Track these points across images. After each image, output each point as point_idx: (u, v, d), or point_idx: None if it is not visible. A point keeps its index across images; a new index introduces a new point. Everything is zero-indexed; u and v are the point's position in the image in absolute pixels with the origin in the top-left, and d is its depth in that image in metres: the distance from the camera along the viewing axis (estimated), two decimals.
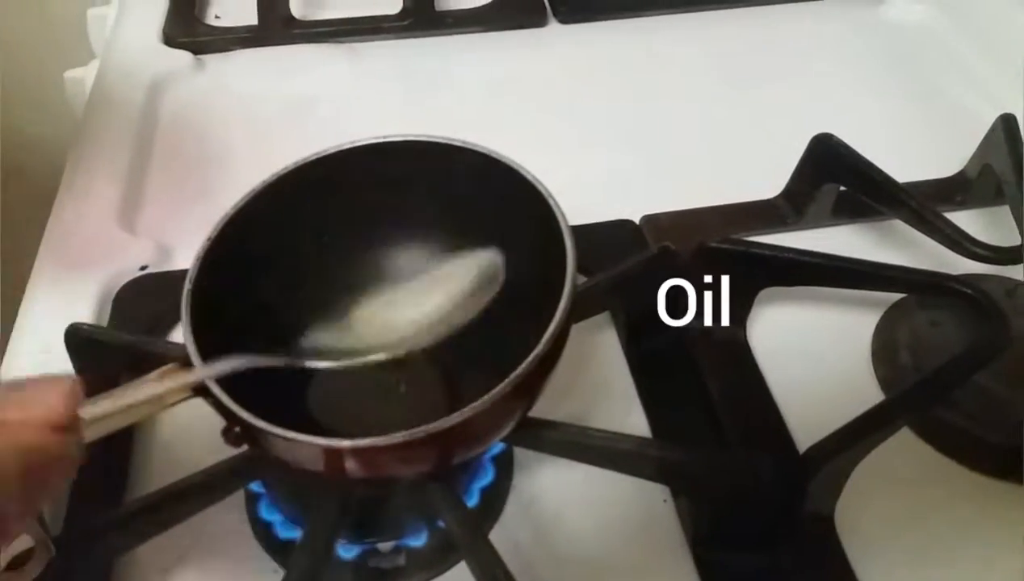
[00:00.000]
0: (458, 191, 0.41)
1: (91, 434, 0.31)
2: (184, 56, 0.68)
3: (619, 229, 0.54)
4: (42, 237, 0.55)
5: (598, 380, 0.47)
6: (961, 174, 0.57)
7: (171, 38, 0.70)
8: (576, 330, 0.45)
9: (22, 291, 0.52)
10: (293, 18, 0.71)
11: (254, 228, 0.39)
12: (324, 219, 0.42)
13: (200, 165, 0.60)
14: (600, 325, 0.50)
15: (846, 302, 0.50)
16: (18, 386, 0.29)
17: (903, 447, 0.44)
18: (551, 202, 0.38)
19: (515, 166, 0.40)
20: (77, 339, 0.43)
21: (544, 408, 0.39)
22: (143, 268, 0.52)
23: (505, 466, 0.43)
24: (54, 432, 0.28)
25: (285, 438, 0.31)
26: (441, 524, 0.39)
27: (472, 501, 0.40)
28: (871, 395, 0.46)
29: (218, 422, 0.34)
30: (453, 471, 0.39)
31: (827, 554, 0.40)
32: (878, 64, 0.70)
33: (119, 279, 0.51)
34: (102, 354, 0.43)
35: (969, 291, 0.44)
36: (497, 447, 0.41)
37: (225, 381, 0.33)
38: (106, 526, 0.36)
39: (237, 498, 0.41)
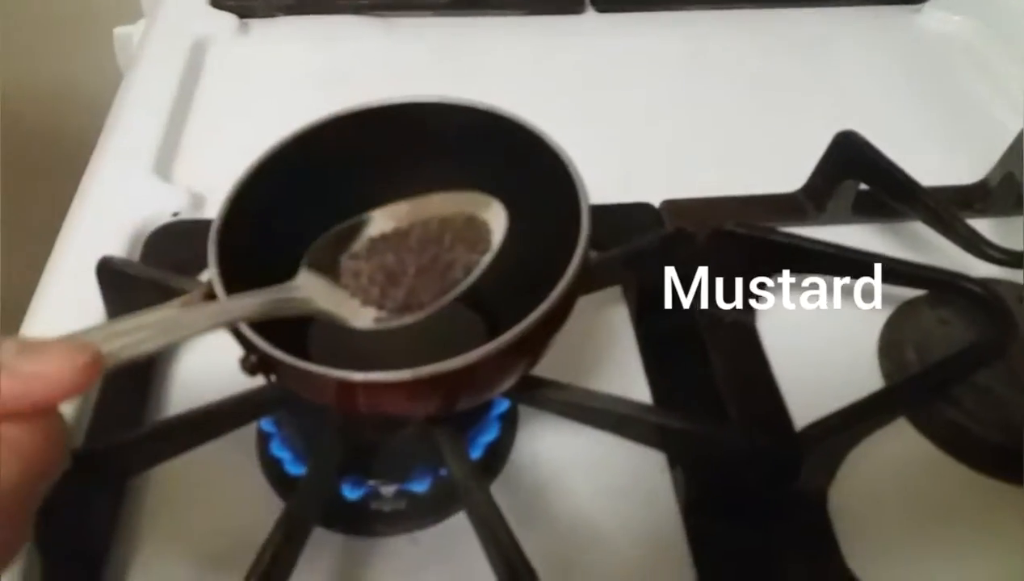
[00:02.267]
0: (483, 155, 0.42)
1: (110, 361, 0.33)
2: (230, 19, 0.71)
3: (638, 211, 0.55)
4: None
5: (607, 352, 0.48)
6: (983, 182, 0.57)
7: (218, 1, 0.72)
8: (589, 304, 0.47)
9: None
10: None
11: (284, 176, 0.41)
12: (353, 172, 0.43)
13: (236, 122, 0.62)
14: (612, 300, 0.51)
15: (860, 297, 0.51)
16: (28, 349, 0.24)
17: (903, 440, 0.45)
18: (571, 169, 0.39)
19: (540, 133, 0.41)
20: (108, 271, 0.45)
21: (552, 374, 0.40)
22: (175, 214, 0.54)
23: (510, 425, 0.44)
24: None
25: (299, 368, 0.33)
26: (444, 473, 0.40)
27: (476, 454, 0.41)
28: (874, 387, 0.47)
29: (236, 356, 0.36)
30: (460, 423, 0.40)
31: (817, 535, 0.41)
32: (910, 70, 0.70)
33: (152, 223, 0.53)
34: (131, 288, 0.45)
35: (978, 290, 0.45)
36: (503, 405, 0.43)
37: None
38: (123, 443, 0.38)
39: (249, 436, 0.43)
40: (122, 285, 0.45)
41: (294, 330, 0.38)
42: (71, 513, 0.37)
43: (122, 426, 0.41)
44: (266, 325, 0.34)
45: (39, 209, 0.63)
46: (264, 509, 0.41)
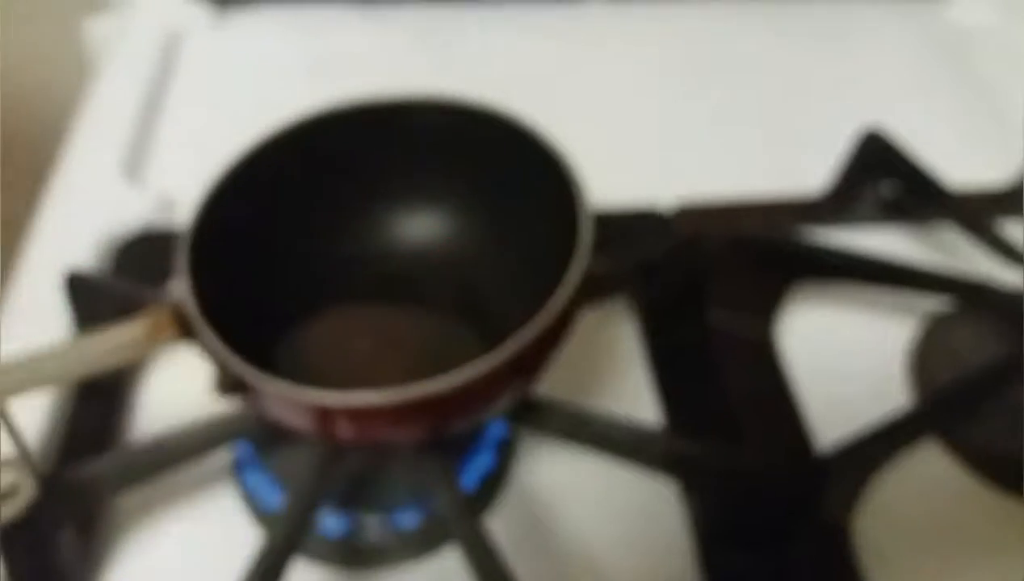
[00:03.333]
0: (475, 154, 0.42)
1: (74, 374, 0.33)
2: (205, 9, 0.70)
3: (646, 217, 0.54)
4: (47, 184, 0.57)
5: (612, 370, 0.48)
6: (1015, 186, 0.57)
7: None
8: (593, 317, 0.46)
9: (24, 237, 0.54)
10: None
11: (263, 178, 0.40)
12: (336, 173, 0.43)
13: (212, 120, 0.61)
14: (618, 313, 0.50)
15: (883, 308, 0.50)
16: None
17: (931, 462, 0.44)
18: (569, 169, 0.39)
19: (536, 132, 0.40)
20: (76, 285, 0.45)
21: (553, 394, 0.40)
22: (146, 220, 0.54)
23: (506, 451, 0.43)
24: None
25: (273, 387, 0.32)
26: (434, 504, 0.39)
27: (470, 484, 0.40)
28: (901, 404, 0.46)
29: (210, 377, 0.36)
30: (452, 450, 0.40)
31: (841, 566, 0.40)
32: (937, 64, 0.70)
33: (122, 230, 0.53)
34: (100, 301, 0.44)
35: (1009, 300, 0.44)
36: (498, 429, 0.42)
37: (217, 327, 0.34)
38: (93, 470, 0.37)
39: (225, 462, 0.43)
40: (90, 298, 0.45)
41: (268, 350, 0.38)
42: (41, 538, 0.37)
43: (92, 449, 0.41)
44: (239, 340, 0.34)
45: (2, 215, 0.63)
46: (241, 537, 0.40)
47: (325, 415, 0.33)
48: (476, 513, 0.39)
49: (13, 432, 0.34)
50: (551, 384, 0.39)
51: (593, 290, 0.41)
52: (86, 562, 0.40)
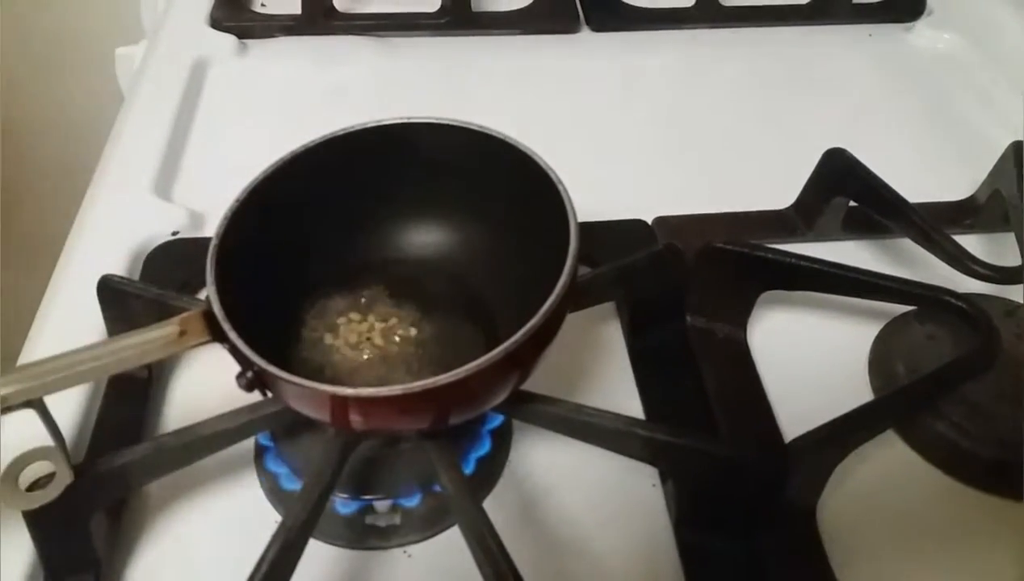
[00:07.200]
0: (476, 173, 0.44)
1: (113, 369, 0.34)
2: (229, 39, 0.72)
3: (631, 227, 0.56)
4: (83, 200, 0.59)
5: (600, 367, 0.49)
6: (972, 199, 0.58)
7: (218, 21, 0.73)
8: (582, 319, 0.48)
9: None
10: (335, 10, 0.74)
11: (282, 194, 0.42)
12: (349, 190, 0.44)
13: (236, 142, 0.63)
14: (605, 316, 0.52)
15: (848, 312, 0.52)
16: None
17: (893, 454, 0.46)
18: (560, 188, 0.40)
19: (530, 153, 0.42)
20: (108, 290, 0.46)
21: (546, 389, 0.41)
22: (175, 233, 0.55)
23: (503, 441, 0.45)
24: None
25: (293, 383, 0.34)
26: (436, 488, 0.41)
27: (468, 468, 0.42)
28: (863, 401, 0.48)
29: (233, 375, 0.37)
30: (452, 438, 0.41)
31: (806, 547, 0.41)
32: (902, 88, 0.72)
33: (151, 242, 0.54)
34: (131, 306, 0.45)
35: (964, 306, 0.46)
36: (496, 420, 0.44)
37: (241, 329, 0.35)
38: (123, 459, 0.38)
39: (247, 449, 0.44)
40: (122, 303, 0.46)
41: (285, 348, 0.39)
42: (73, 524, 0.38)
43: (122, 441, 0.41)
44: (260, 341, 0.36)
45: (41, 228, 0.65)
46: (261, 522, 0.42)
47: (340, 407, 0.35)
48: (475, 495, 0.40)
49: (50, 424, 0.35)
50: (544, 379, 0.40)
51: (582, 295, 0.43)
52: (115, 543, 0.41)
